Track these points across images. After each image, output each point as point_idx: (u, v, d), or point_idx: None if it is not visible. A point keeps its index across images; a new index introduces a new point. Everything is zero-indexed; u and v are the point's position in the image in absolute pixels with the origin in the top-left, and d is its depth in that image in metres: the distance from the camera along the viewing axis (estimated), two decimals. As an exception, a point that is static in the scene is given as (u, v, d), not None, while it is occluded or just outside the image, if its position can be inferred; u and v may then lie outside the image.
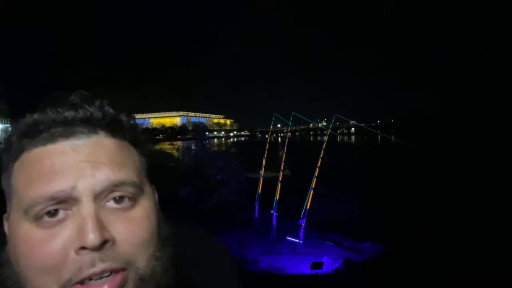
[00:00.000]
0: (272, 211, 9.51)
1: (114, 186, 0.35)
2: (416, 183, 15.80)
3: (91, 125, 0.37)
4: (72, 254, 0.33)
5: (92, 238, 0.32)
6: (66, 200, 0.34)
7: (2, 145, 0.39)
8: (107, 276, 0.34)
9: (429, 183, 15.81)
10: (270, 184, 10.49)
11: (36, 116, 0.37)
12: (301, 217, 8.75)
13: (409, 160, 21.77)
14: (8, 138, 0.39)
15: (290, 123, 13.04)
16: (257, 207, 10.53)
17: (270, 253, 8.49)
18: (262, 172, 11.08)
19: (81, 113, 0.37)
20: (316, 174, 9.04)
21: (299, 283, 6.85)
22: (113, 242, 0.34)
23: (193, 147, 16.09)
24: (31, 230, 0.34)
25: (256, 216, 10.37)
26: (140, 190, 0.38)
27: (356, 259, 8.11)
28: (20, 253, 0.34)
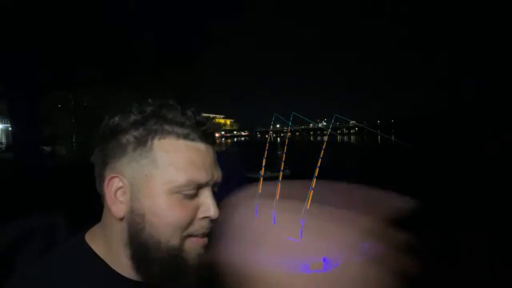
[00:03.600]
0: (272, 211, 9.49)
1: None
2: (416, 183, 15.81)
3: (208, 134, 0.50)
4: (197, 219, 0.48)
5: (216, 212, 0.49)
6: (202, 186, 0.48)
7: (132, 118, 0.45)
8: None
9: (429, 183, 15.82)
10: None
11: (180, 110, 0.47)
12: (301, 217, 8.75)
13: (409, 160, 21.78)
14: (151, 113, 0.46)
15: (290, 123, 13.01)
16: (257, 207, 10.53)
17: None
18: (262, 172, 11.06)
19: (206, 125, 0.49)
20: (316, 174, 9.03)
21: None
22: None
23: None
24: (172, 198, 0.46)
25: (256, 216, 10.37)
26: None
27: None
28: (160, 213, 0.45)
